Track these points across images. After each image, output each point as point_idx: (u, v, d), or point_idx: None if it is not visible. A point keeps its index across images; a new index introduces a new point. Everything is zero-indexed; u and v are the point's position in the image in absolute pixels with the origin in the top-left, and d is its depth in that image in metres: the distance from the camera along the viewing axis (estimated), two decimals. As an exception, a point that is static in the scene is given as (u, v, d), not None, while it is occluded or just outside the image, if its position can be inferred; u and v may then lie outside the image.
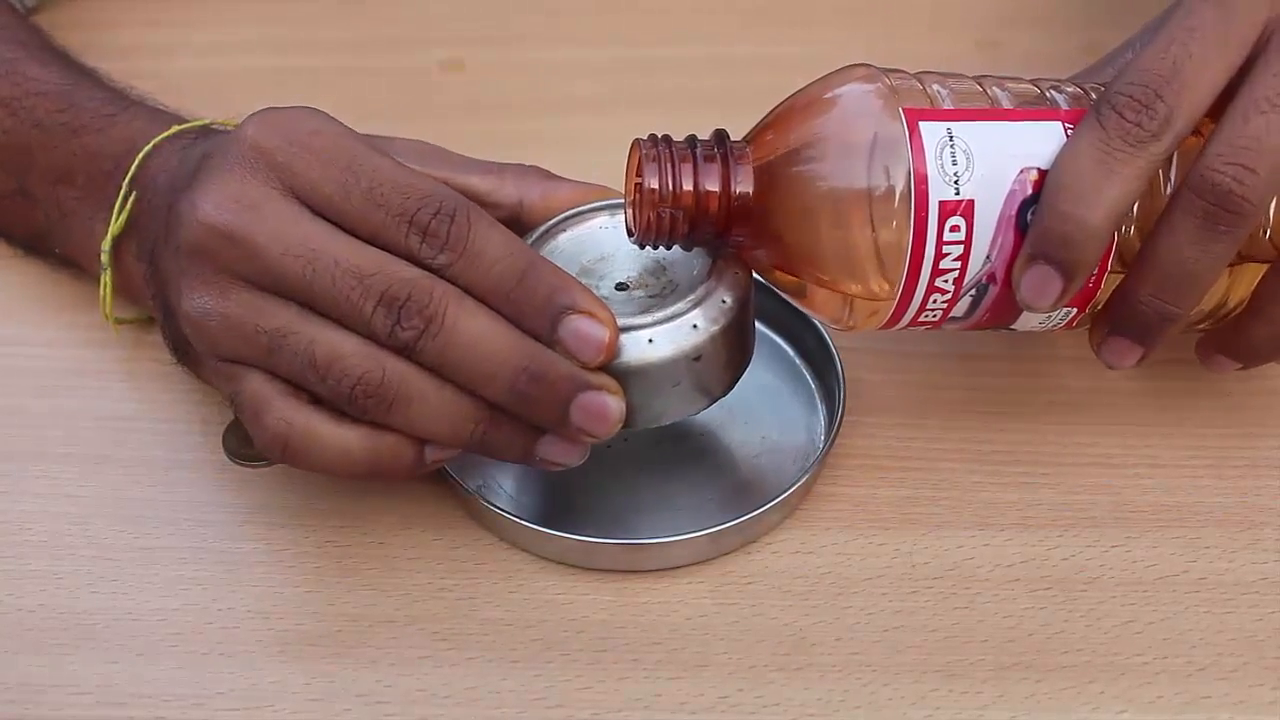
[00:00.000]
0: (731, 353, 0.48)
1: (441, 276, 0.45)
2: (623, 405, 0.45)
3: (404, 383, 0.44)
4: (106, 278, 0.53)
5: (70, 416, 0.54)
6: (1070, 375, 0.54)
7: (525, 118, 0.67)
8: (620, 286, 0.49)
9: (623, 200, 0.49)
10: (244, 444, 0.52)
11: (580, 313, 0.45)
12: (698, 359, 0.47)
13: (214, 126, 0.54)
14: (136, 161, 0.52)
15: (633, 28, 0.73)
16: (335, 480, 0.51)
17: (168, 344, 0.50)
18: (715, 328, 0.47)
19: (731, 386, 0.49)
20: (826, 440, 0.50)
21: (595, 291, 0.47)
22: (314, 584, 0.48)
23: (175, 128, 0.53)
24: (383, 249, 0.45)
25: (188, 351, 0.49)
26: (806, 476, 0.49)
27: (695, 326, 0.46)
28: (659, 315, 0.46)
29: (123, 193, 0.52)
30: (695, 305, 0.47)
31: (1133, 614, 0.47)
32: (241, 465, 0.51)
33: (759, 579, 0.48)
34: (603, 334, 0.45)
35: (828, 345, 0.53)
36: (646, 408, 0.47)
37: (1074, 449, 0.52)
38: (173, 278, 0.47)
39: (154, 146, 0.53)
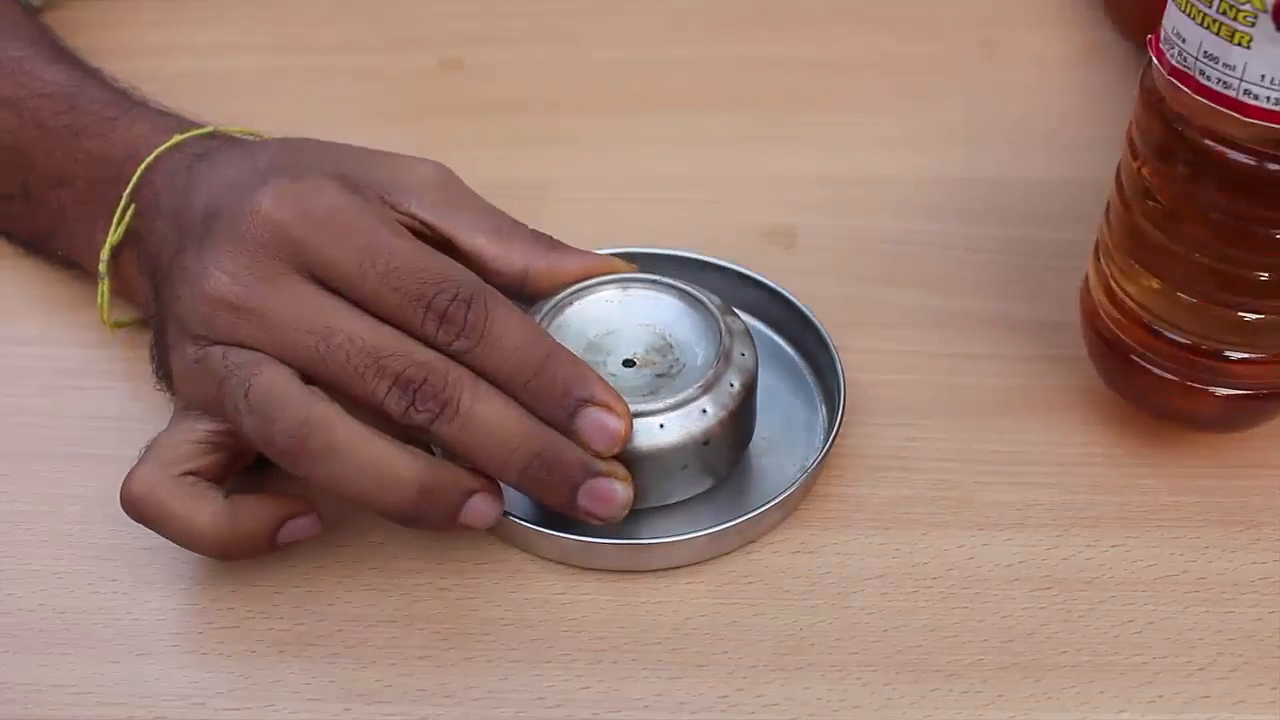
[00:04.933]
0: (738, 434, 0.49)
1: (458, 361, 0.45)
2: (630, 491, 0.46)
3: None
4: (104, 287, 0.53)
5: (70, 416, 0.54)
6: (1070, 375, 0.54)
7: (525, 118, 0.67)
8: (627, 363, 0.50)
9: (630, 274, 0.51)
10: (244, 444, 0.52)
11: (598, 405, 0.45)
12: (706, 443, 0.48)
13: (217, 133, 0.53)
14: (137, 174, 0.52)
15: (633, 28, 0.73)
16: (335, 480, 0.51)
17: (154, 368, 0.50)
18: (724, 412, 0.48)
19: (735, 464, 0.50)
20: (826, 440, 0.50)
21: (603, 368, 0.48)
22: (314, 584, 0.48)
23: (177, 138, 0.53)
24: (398, 329, 0.45)
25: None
26: (806, 476, 0.49)
27: (705, 412, 0.47)
28: (669, 401, 0.47)
29: (122, 204, 0.52)
30: (705, 391, 0.48)
31: (1133, 614, 0.47)
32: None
33: (759, 579, 0.48)
34: (619, 427, 0.45)
35: (828, 345, 0.53)
36: (655, 489, 0.48)
37: (1074, 449, 0.52)
38: (175, 341, 0.47)
39: (155, 159, 0.52)
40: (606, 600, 0.48)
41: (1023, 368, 0.55)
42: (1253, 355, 0.47)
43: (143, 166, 0.52)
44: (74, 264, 0.57)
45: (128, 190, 0.52)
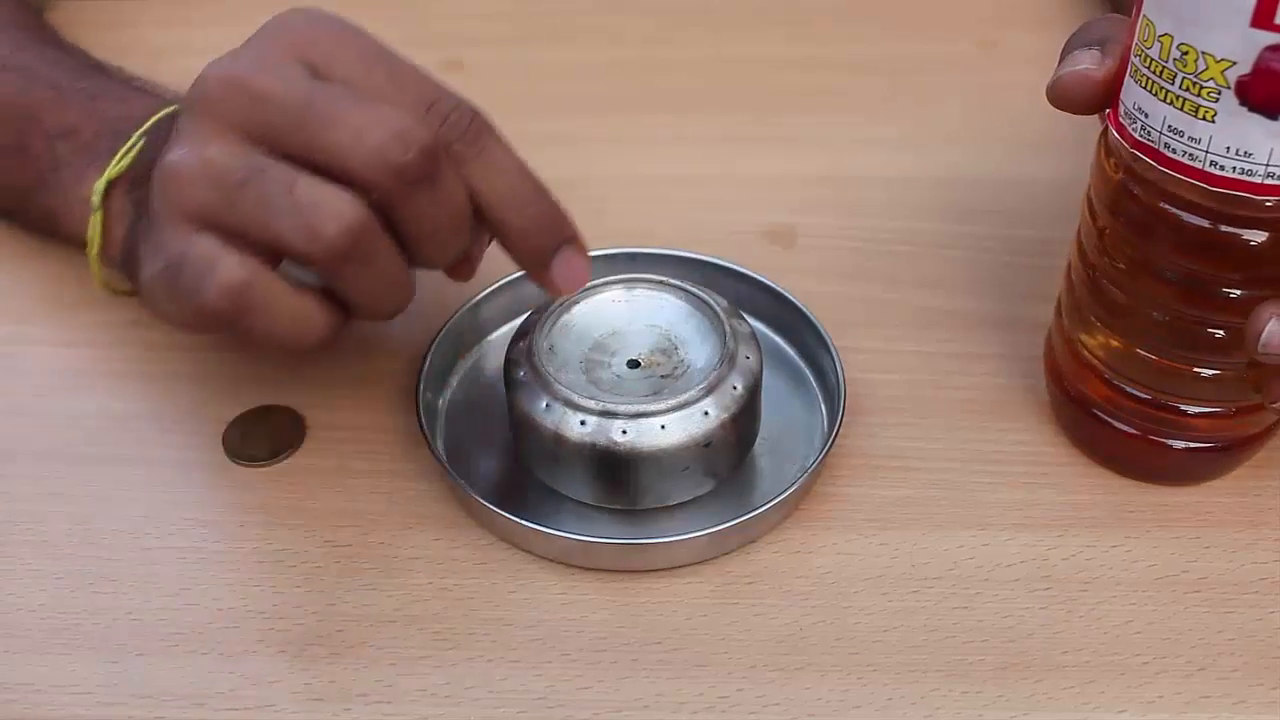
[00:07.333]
0: (740, 437, 0.49)
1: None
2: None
3: (380, 239, 0.45)
4: (96, 219, 0.52)
5: (70, 416, 0.54)
6: (1070, 375, 0.54)
7: (525, 118, 0.67)
8: (632, 364, 0.50)
9: (637, 275, 0.51)
10: (244, 444, 0.52)
11: (579, 247, 0.47)
12: (708, 445, 0.48)
13: None
14: (155, 118, 0.52)
15: (633, 28, 0.74)
16: (335, 480, 0.51)
17: (126, 271, 0.51)
18: (726, 415, 0.48)
19: (738, 467, 0.50)
20: (826, 440, 0.50)
21: (608, 369, 0.49)
22: (314, 584, 0.48)
23: None
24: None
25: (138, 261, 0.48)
26: (806, 476, 0.49)
27: (706, 414, 0.48)
28: (672, 402, 0.47)
29: (133, 139, 0.52)
30: (708, 393, 0.48)
31: (1133, 614, 0.47)
32: (242, 465, 0.51)
33: (759, 579, 0.48)
34: (587, 271, 0.48)
35: (828, 345, 0.53)
36: (656, 489, 0.48)
37: (1074, 449, 0.52)
38: (166, 150, 0.46)
39: (171, 112, 0.52)
40: (606, 600, 0.48)
41: (1023, 368, 0.55)
42: (1211, 409, 0.48)
43: (162, 113, 0.52)
44: (48, 221, 0.56)
45: (141, 129, 0.52)
